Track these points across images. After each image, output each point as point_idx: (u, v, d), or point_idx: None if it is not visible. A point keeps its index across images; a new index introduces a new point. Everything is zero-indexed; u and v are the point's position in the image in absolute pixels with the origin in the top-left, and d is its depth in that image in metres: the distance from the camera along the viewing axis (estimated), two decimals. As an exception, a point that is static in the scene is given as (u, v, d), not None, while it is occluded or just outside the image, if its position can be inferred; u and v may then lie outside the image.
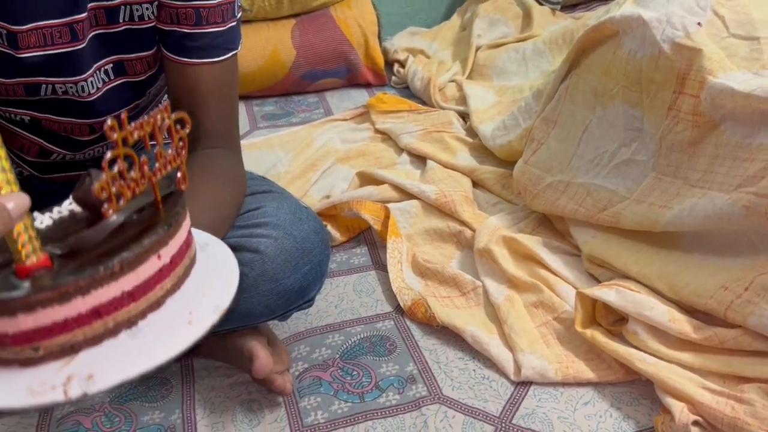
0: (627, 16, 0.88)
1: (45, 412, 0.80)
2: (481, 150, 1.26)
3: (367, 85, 1.65)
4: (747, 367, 0.73)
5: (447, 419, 0.77)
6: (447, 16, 1.92)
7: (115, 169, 0.43)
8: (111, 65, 0.74)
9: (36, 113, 0.77)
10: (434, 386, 0.81)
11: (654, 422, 0.75)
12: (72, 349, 0.43)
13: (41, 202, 0.48)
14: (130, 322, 0.44)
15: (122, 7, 0.72)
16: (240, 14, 0.77)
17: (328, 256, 0.81)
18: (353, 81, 1.64)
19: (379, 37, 1.65)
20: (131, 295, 0.44)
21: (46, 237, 0.44)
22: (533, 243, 0.96)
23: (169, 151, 0.47)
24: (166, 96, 0.87)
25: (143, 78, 0.77)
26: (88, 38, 0.71)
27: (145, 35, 0.74)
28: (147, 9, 0.72)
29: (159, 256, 0.45)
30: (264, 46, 1.54)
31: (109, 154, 0.42)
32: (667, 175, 0.86)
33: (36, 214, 0.46)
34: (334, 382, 0.82)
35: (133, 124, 0.44)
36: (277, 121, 1.52)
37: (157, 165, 0.46)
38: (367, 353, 0.87)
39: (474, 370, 0.83)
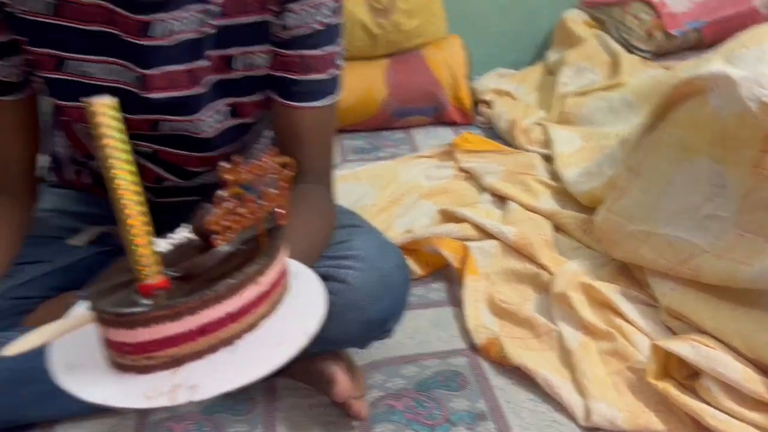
0: (714, 74, 0.90)
1: (143, 415, 0.88)
2: (564, 194, 1.28)
3: (453, 124, 1.70)
4: (825, 433, 0.73)
5: (514, 458, 0.79)
6: (536, 59, 1.95)
7: (227, 205, 0.50)
8: (226, 108, 0.83)
9: (155, 146, 0.86)
10: (503, 425, 0.84)
11: (724, 481, 0.74)
12: (178, 361, 0.49)
13: (154, 223, 0.55)
14: (229, 341, 0.51)
15: (239, 56, 0.80)
16: (342, 64, 0.84)
17: (409, 290, 0.86)
18: (440, 119, 1.70)
19: (468, 78, 1.70)
20: (232, 317, 0.51)
21: (164, 260, 0.51)
22: (611, 291, 0.97)
23: (274, 191, 0.54)
24: (267, 132, 0.96)
25: (247, 120, 0.86)
26: (207, 83, 0.79)
27: (258, 81, 0.82)
28: (261, 58, 0.81)
29: (258, 283, 0.52)
30: (358, 84, 1.63)
31: (224, 193, 0.49)
32: (749, 231, 0.86)
33: (156, 239, 0.52)
34: (407, 412, 0.86)
35: (245, 166, 0.51)
36: (365, 155, 1.59)
37: (262, 202, 0.53)
38: (440, 387, 0.90)
39: (544, 412, 0.85)
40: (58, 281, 0.97)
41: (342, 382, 0.81)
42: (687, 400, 0.80)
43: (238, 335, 0.52)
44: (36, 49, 0.79)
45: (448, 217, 1.23)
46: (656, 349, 0.85)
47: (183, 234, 0.56)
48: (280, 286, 0.55)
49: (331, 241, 0.86)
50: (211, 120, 0.83)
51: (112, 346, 0.50)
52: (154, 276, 0.49)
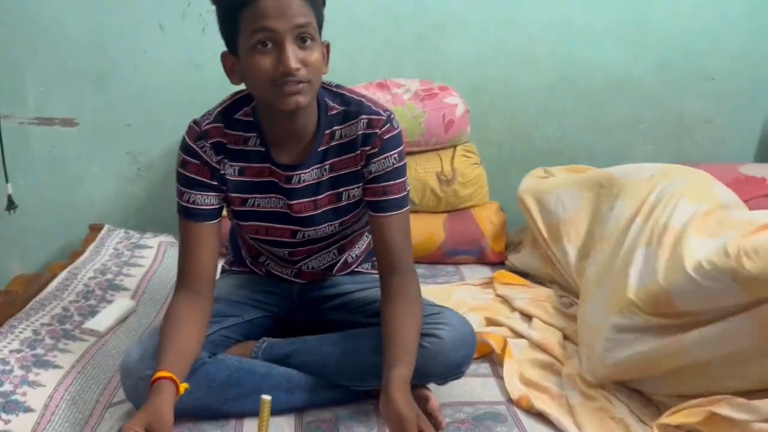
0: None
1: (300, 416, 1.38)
2: (568, 317, 1.82)
3: (491, 264, 2.28)
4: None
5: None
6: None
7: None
8: (337, 222, 1.43)
9: (293, 248, 1.47)
10: (529, 442, 1.34)
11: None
12: None
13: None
14: None
15: (344, 192, 1.40)
16: (408, 188, 1.39)
17: (474, 351, 1.40)
18: (482, 259, 2.27)
19: (505, 232, 2.31)
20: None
21: None
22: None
23: None
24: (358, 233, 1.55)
25: (350, 226, 1.46)
26: (323, 210, 1.40)
27: (356, 205, 1.41)
28: (357, 190, 1.39)
29: None
30: (424, 229, 2.23)
31: None
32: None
33: None
34: (467, 431, 1.36)
35: None
36: (425, 280, 2.14)
37: None
38: (489, 419, 1.40)
39: (555, 437, 1.36)
40: (244, 330, 1.52)
41: (434, 399, 1.33)
42: (644, 433, 1.31)
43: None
44: (231, 194, 1.39)
45: (492, 322, 1.78)
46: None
47: None
48: None
49: (428, 312, 1.38)
50: (327, 229, 1.43)
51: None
52: None
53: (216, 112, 1.38)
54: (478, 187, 2.32)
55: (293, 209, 1.39)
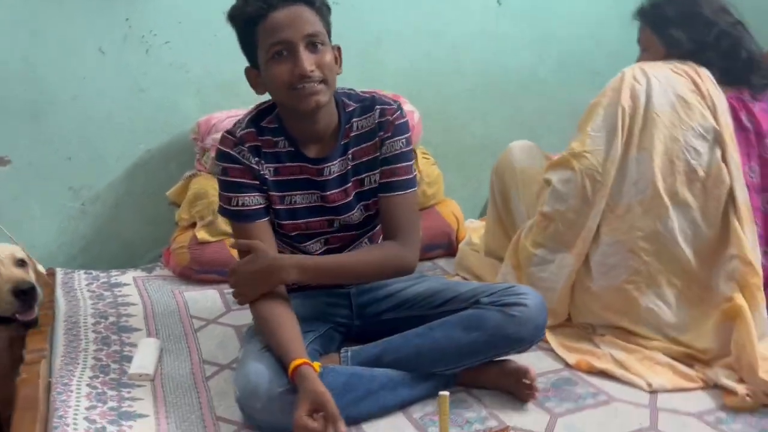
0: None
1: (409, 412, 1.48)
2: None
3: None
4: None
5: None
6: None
7: None
8: (363, 207, 1.57)
9: (329, 235, 1.59)
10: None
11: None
12: None
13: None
14: None
15: (366, 178, 1.54)
16: (415, 171, 1.56)
17: None
18: (450, 252, 2.45)
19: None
20: None
21: None
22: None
23: None
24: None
25: (373, 212, 1.59)
26: (352, 195, 1.54)
27: (376, 189, 1.54)
28: (375, 176, 1.54)
29: None
30: (401, 230, 2.37)
31: None
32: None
33: None
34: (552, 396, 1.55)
35: None
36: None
37: None
38: (564, 385, 1.60)
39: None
40: (321, 343, 1.59)
41: (532, 368, 1.49)
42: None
43: None
44: (271, 192, 1.51)
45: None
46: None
47: None
48: None
49: (503, 288, 1.52)
50: (356, 215, 1.57)
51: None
52: None
53: (246, 120, 1.51)
54: (438, 186, 2.51)
55: (328, 200, 1.53)
